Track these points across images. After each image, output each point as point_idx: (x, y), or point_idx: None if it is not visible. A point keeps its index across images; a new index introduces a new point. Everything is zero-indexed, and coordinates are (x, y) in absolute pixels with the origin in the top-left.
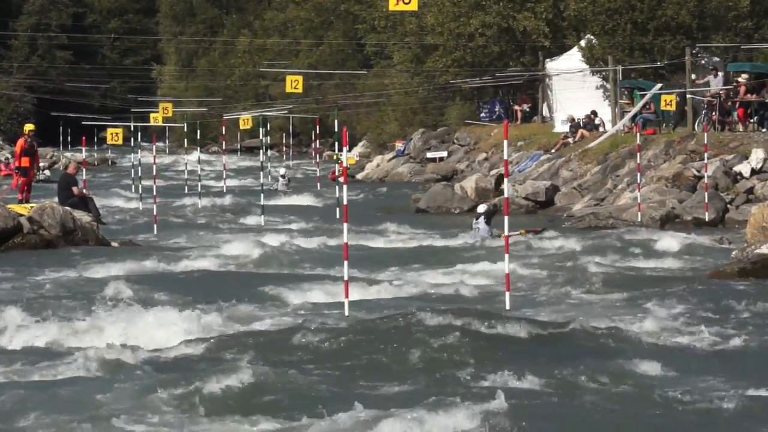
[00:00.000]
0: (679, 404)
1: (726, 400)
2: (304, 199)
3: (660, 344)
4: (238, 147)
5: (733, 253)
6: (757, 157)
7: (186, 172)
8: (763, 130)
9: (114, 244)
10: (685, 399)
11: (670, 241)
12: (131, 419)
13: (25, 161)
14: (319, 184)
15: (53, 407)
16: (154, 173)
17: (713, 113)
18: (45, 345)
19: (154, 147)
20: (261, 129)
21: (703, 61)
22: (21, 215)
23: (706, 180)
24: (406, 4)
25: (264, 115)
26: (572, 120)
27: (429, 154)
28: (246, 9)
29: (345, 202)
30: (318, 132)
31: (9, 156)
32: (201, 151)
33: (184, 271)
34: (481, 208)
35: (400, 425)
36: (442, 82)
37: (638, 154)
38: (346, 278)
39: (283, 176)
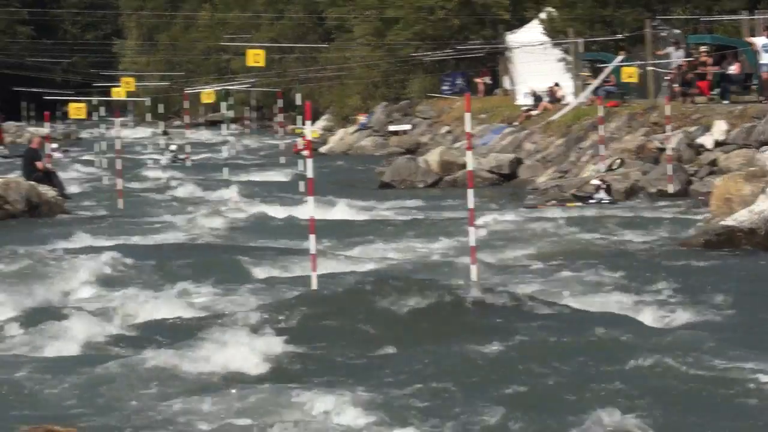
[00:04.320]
0: (646, 372)
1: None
2: (269, 174)
3: (626, 314)
4: (202, 121)
5: (698, 225)
6: (719, 128)
7: (150, 146)
8: (725, 102)
9: (79, 218)
10: (652, 367)
11: (634, 213)
12: (100, 396)
13: None
14: (282, 158)
15: (25, 385)
16: (118, 147)
17: (674, 85)
18: (14, 320)
19: (117, 121)
20: (223, 103)
21: (663, 34)
22: None
23: (669, 152)
24: None
25: (226, 89)
26: (534, 93)
27: (392, 128)
28: None
29: (310, 176)
30: (281, 106)
31: None
32: (165, 126)
33: (149, 245)
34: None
35: (368, 398)
36: (404, 55)
37: (601, 126)
38: (313, 252)
39: (172, 151)
